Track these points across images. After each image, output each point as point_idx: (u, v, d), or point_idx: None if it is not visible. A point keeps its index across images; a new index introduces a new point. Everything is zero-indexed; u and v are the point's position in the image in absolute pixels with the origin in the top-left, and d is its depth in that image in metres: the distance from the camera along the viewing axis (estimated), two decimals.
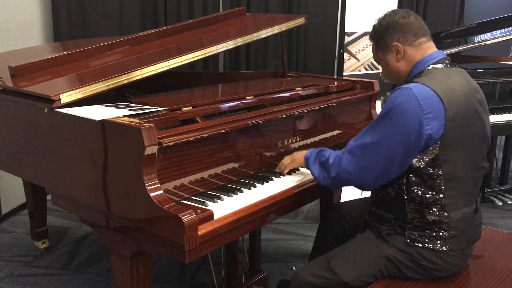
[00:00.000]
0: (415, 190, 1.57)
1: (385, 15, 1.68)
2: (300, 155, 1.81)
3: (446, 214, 1.56)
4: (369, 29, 1.77)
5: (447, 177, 1.53)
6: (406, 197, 1.59)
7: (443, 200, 1.55)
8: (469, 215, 1.60)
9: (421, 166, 1.53)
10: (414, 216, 1.59)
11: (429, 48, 1.64)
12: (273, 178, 1.79)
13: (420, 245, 1.58)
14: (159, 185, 1.44)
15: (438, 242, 1.57)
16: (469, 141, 1.54)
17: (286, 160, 1.85)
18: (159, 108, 1.68)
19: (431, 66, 1.59)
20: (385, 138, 1.52)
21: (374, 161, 1.55)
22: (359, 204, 2.00)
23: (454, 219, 1.56)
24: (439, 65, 1.60)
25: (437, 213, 1.56)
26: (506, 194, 3.66)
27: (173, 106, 1.73)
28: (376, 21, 1.70)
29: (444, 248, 1.57)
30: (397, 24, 1.63)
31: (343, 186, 1.96)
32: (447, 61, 1.62)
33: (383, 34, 1.65)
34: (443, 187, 1.54)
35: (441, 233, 1.57)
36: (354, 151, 1.59)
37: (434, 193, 1.55)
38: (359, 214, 1.94)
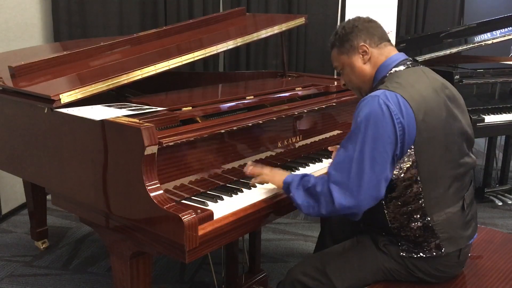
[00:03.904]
0: (394, 202, 1.55)
1: (348, 20, 1.66)
2: (280, 176, 1.65)
3: (429, 218, 1.53)
4: None
5: (425, 181, 1.50)
6: (386, 211, 1.57)
7: (423, 204, 1.52)
8: (455, 215, 1.56)
9: (401, 175, 1.50)
10: (397, 226, 1.57)
11: (392, 50, 1.64)
12: None
13: (415, 255, 1.56)
14: (159, 185, 1.44)
15: (432, 249, 1.55)
16: (445, 139, 1.51)
17: (266, 173, 1.69)
18: (159, 108, 1.68)
19: (393, 70, 1.57)
20: (366, 153, 1.44)
21: (362, 181, 1.44)
22: None
23: (438, 222, 1.53)
24: (401, 67, 1.58)
25: (420, 219, 1.53)
26: (506, 194, 3.65)
27: (173, 106, 1.74)
28: (338, 27, 1.67)
29: (439, 252, 1.55)
30: (363, 27, 1.62)
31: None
32: (408, 62, 1.60)
33: (348, 36, 1.62)
34: (421, 193, 1.51)
35: (431, 239, 1.54)
36: (340, 181, 1.46)
37: (412, 201, 1.52)
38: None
